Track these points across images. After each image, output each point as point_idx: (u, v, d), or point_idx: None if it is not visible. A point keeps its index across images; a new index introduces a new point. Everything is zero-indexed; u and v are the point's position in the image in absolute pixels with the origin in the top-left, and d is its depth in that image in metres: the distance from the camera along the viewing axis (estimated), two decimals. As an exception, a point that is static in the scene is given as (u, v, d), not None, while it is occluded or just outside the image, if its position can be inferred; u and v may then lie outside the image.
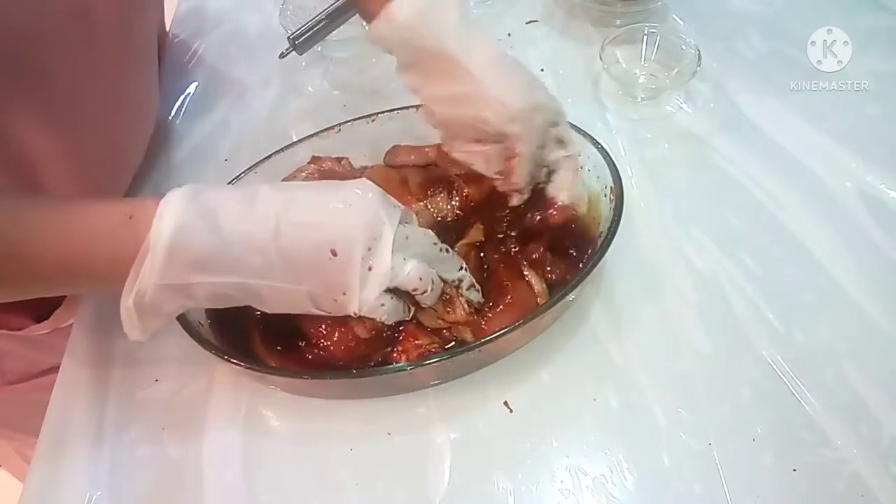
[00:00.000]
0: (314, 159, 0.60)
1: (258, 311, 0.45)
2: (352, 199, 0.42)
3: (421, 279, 0.43)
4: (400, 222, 0.43)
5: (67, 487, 0.49)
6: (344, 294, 0.42)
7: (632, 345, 0.52)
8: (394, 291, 0.44)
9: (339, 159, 0.60)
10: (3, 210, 0.38)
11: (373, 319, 0.45)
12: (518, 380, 0.51)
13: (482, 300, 0.49)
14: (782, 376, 0.49)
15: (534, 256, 0.52)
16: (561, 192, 0.51)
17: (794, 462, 0.45)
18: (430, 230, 0.46)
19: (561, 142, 0.51)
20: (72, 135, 0.54)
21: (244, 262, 0.40)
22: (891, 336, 0.51)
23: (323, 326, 0.48)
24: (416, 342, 0.48)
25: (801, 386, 0.49)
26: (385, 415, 0.50)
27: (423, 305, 0.46)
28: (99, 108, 0.57)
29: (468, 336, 0.49)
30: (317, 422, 0.51)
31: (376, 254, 0.41)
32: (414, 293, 0.44)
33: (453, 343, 0.50)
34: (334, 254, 0.40)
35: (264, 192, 0.41)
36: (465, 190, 0.56)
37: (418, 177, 0.58)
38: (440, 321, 0.48)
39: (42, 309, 0.61)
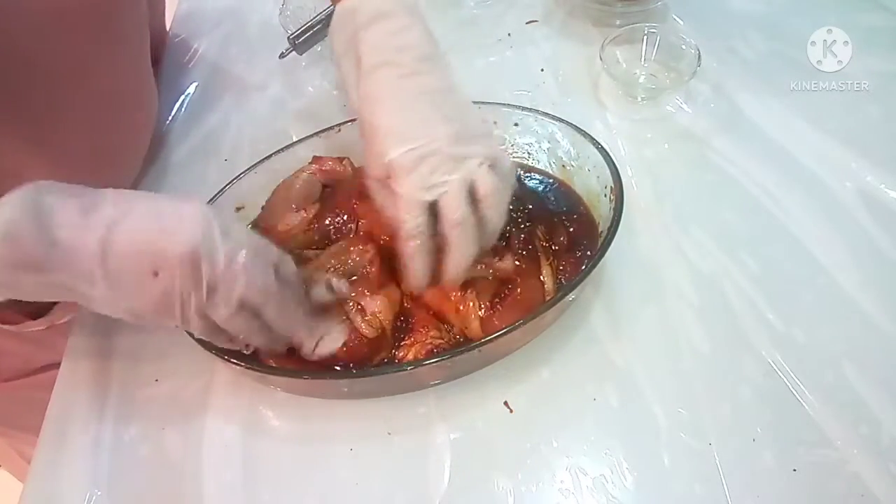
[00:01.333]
0: (315, 159, 0.60)
1: None
2: (181, 220, 0.41)
3: (243, 309, 0.43)
4: (236, 247, 0.42)
5: (67, 487, 0.49)
6: (166, 314, 0.42)
7: (632, 345, 0.52)
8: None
9: (340, 159, 0.60)
10: None
11: (378, 318, 0.45)
12: (518, 380, 0.51)
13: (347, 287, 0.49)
14: (782, 376, 0.49)
15: (555, 248, 0.53)
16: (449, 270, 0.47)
17: (794, 462, 0.45)
18: (297, 286, 0.46)
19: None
20: (56, 138, 0.53)
21: (70, 269, 0.40)
22: (891, 336, 0.51)
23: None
24: (430, 333, 0.49)
25: (801, 386, 0.49)
26: (385, 415, 0.50)
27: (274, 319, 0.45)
28: (85, 111, 0.56)
29: (477, 329, 0.49)
30: (317, 422, 0.51)
31: (195, 282, 0.41)
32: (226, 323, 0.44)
33: (462, 340, 0.50)
34: (156, 275, 0.40)
35: (104, 204, 0.41)
36: None
37: None
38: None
39: (38, 305, 0.60)
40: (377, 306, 0.49)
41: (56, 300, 0.43)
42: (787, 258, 0.56)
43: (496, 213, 0.47)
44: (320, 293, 0.48)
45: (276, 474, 0.49)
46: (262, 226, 0.58)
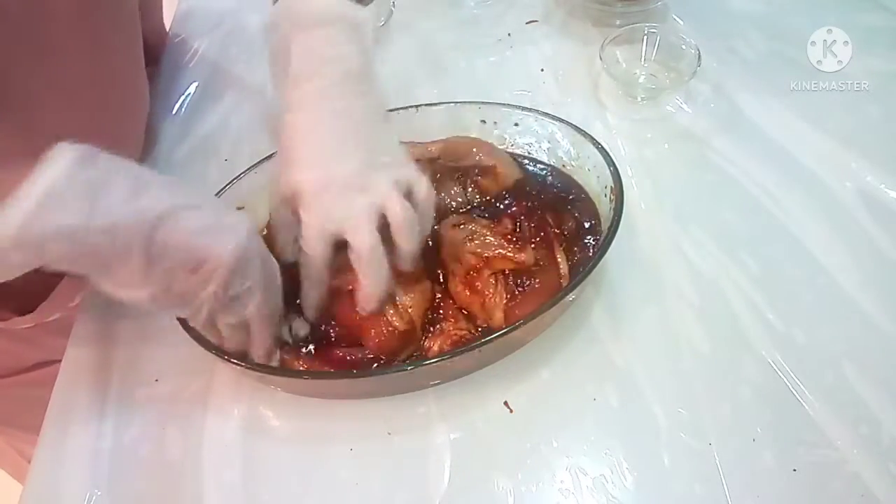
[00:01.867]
0: None
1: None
2: (230, 232, 0.43)
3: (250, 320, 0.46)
4: (268, 276, 0.45)
5: (67, 487, 0.49)
6: (183, 303, 0.43)
7: (632, 345, 0.52)
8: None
9: None
10: None
11: (408, 312, 0.47)
12: (518, 380, 0.51)
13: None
14: (782, 376, 0.49)
15: (565, 233, 0.53)
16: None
17: (794, 462, 0.45)
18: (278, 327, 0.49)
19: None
20: (29, 126, 0.52)
21: (107, 245, 0.39)
22: (891, 336, 0.51)
23: (359, 326, 0.49)
24: (458, 325, 0.50)
25: (801, 386, 0.49)
26: (385, 415, 0.50)
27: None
28: (62, 102, 0.55)
29: (500, 319, 0.49)
30: (317, 422, 0.51)
31: (225, 288, 0.43)
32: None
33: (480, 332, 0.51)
34: (193, 272, 0.41)
35: (155, 188, 0.41)
36: (481, 182, 0.57)
37: (427, 171, 0.58)
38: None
39: (26, 302, 0.60)
40: (409, 300, 0.50)
41: (69, 272, 0.41)
42: (787, 258, 0.56)
43: (407, 241, 0.47)
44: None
45: (276, 474, 0.49)
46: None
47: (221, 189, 0.58)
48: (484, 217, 0.55)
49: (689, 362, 0.51)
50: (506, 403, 0.50)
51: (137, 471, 0.50)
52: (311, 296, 0.49)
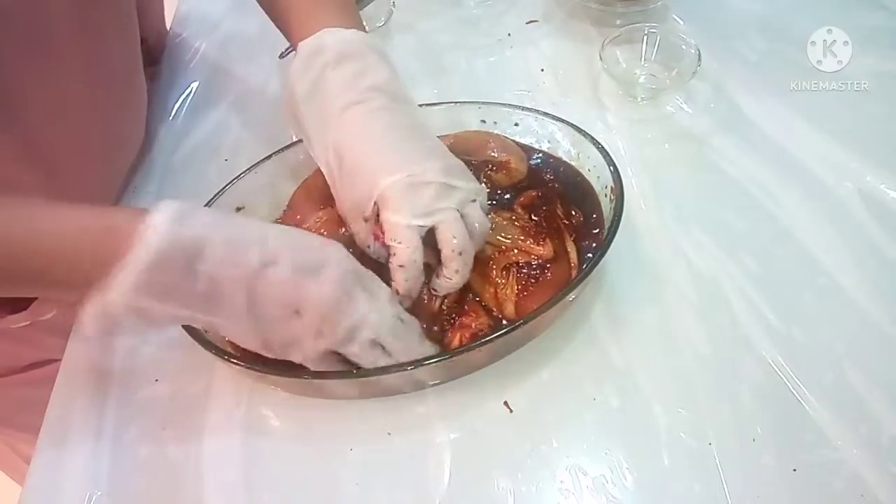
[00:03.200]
0: None
1: None
2: (329, 267, 0.43)
3: (373, 360, 0.45)
4: (375, 298, 0.44)
5: (67, 487, 0.49)
6: (295, 347, 0.44)
7: (632, 345, 0.52)
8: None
9: None
10: None
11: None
12: (518, 380, 0.51)
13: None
14: (782, 376, 0.49)
15: (574, 224, 0.54)
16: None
17: (794, 462, 0.45)
18: (413, 321, 0.47)
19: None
20: (30, 138, 0.53)
21: (213, 303, 0.40)
22: (891, 336, 0.51)
23: None
24: (475, 316, 0.50)
25: (801, 386, 0.49)
26: (385, 415, 0.50)
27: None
28: (59, 106, 0.55)
29: (511, 312, 0.50)
30: (317, 422, 0.51)
31: (333, 326, 0.43)
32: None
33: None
34: (298, 313, 0.42)
35: (249, 236, 0.42)
36: (494, 177, 0.57)
37: None
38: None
39: (19, 299, 0.60)
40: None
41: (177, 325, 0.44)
42: (787, 258, 0.56)
43: (483, 243, 0.50)
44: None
45: (276, 474, 0.49)
46: (289, 225, 0.58)
47: (221, 189, 0.58)
48: (499, 209, 0.55)
49: (689, 362, 0.51)
50: (506, 403, 0.50)
51: (137, 471, 0.50)
52: (409, 291, 0.48)
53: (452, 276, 0.47)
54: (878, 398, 0.47)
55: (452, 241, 0.46)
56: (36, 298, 0.60)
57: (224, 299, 0.40)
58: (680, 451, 0.47)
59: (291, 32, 0.55)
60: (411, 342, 0.47)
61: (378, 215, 0.47)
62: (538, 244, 0.51)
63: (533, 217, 0.54)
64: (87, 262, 0.38)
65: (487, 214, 0.50)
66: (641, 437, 0.47)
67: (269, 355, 0.45)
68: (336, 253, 0.44)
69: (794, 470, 0.45)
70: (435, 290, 0.49)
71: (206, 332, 0.49)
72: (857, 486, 0.44)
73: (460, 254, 0.46)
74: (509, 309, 0.50)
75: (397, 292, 0.47)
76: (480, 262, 0.51)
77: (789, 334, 0.51)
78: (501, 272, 0.51)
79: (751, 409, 0.48)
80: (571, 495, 0.45)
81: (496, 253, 0.52)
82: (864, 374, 0.49)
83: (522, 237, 0.52)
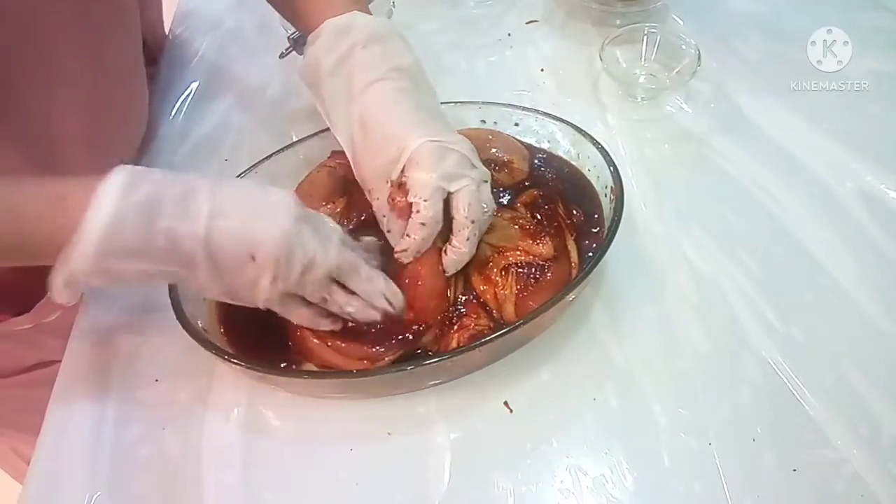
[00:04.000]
0: (334, 154, 0.60)
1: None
2: (277, 209, 0.44)
3: (326, 297, 0.46)
4: (327, 238, 0.46)
5: (67, 487, 0.49)
6: (256, 290, 0.45)
7: (632, 345, 0.52)
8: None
9: None
10: None
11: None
12: (518, 380, 0.51)
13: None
14: (782, 376, 0.49)
15: (575, 223, 0.54)
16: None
17: (794, 462, 0.45)
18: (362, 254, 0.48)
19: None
20: (32, 131, 0.53)
21: (172, 255, 0.42)
22: (891, 336, 0.51)
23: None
24: (476, 317, 0.50)
25: (801, 386, 0.49)
26: (385, 415, 0.50)
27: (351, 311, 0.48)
28: (64, 105, 0.56)
29: (511, 313, 0.50)
30: (317, 422, 0.51)
31: (288, 267, 0.44)
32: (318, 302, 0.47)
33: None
34: (253, 259, 0.43)
35: (200, 192, 0.43)
36: (497, 176, 0.57)
37: None
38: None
39: (23, 302, 0.60)
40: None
41: (153, 284, 0.46)
42: (787, 258, 0.56)
43: (485, 228, 0.51)
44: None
45: (276, 474, 0.49)
46: None
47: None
48: (500, 209, 0.55)
49: (689, 362, 0.51)
50: (506, 403, 0.50)
51: (137, 471, 0.50)
52: (417, 248, 0.49)
53: (462, 245, 0.49)
54: (878, 398, 0.47)
55: (469, 207, 0.48)
56: (40, 300, 0.60)
57: (183, 251, 0.42)
58: (680, 451, 0.47)
59: (305, 18, 0.56)
60: (373, 280, 0.48)
61: (402, 179, 0.49)
62: (538, 244, 0.51)
63: (535, 215, 0.54)
64: (50, 234, 0.40)
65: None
66: (641, 437, 0.47)
67: (235, 302, 0.46)
68: (285, 198, 0.45)
69: (794, 470, 0.45)
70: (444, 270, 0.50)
71: (205, 331, 0.49)
72: (857, 486, 0.44)
73: (472, 222, 0.48)
74: (509, 309, 0.50)
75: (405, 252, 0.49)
76: (480, 263, 0.51)
77: (789, 334, 0.51)
78: (501, 272, 0.51)
79: (751, 409, 0.48)
80: (571, 495, 0.45)
81: (496, 253, 0.52)
82: (864, 374, 0.49)
83: (522, 237, 0.52)
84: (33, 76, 0.52)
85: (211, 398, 0.53)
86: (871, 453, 0.45)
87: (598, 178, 0.56)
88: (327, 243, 0.45)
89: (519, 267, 0.51)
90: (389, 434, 0.49)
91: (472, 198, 0.49)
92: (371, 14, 0.55)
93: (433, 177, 0.47)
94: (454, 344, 0.49)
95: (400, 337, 0.49)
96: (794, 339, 0.51)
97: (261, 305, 0.46)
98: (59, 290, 0.41)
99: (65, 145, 0.57)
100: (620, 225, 0.50)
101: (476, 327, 0.49)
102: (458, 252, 0.49)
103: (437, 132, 0.49)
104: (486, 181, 0.51)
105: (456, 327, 0.50)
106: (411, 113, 0.50)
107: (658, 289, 0.55)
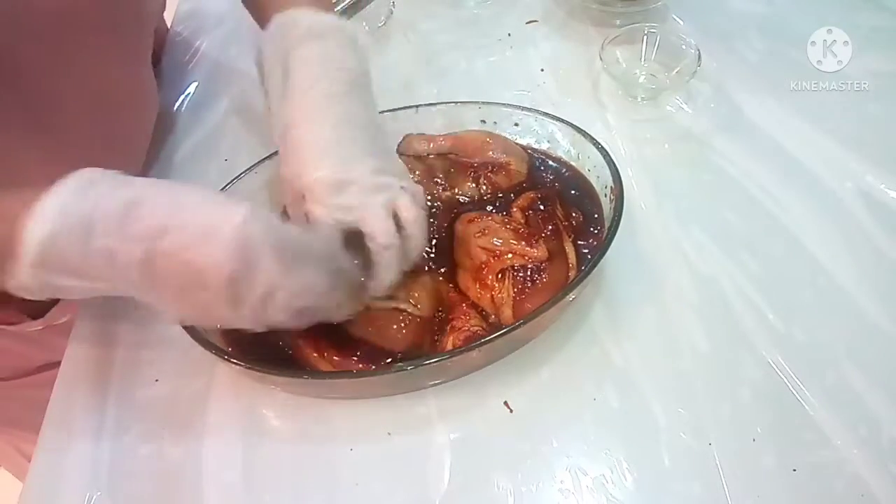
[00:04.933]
0: None
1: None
2: (223, 232, 0.39)
3: (302, 312, 0.43)
4: (284, 251, 0.41)
5: (67, 487, 0.49)
6: (217, 317, 0.43)
7: (632, 345, 0.52)
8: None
9: None
10: None
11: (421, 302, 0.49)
12: (518, 380, 0.51)
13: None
14: (782, 376, 0.49)
15: (573, 224, 0.54)
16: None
17: (794, 462, 0.45)
18: (322, 237, 0.45)
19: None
20: (56, 136, 0.53)
21: (112, 277, 0.40)
22: (891, 336, 0.51)
23: (376, 322, 0.49)
24: (467, 319, 0.50)
25: (801, 386, 0.49)
26: (385, 415, 0.50)
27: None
28: (85, 108, 0.56)
29: (509, 315, 0.50)
30: (317, 422, 0.51)
31: (243, 297, 0.40)
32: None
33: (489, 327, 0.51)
34: (205, 288, 0.39)
35: (144, 205, 0.39)
36: (494, 178, 0.57)
37: (442, 165, 0.58)
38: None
39: (37, 306, 0.60)
40: (417, 294, 0.51)
41: (99, 296, 0.43)
42: (787, 258, 0.56)
43: (420, 236, 0.49)
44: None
45: (276, 474, 0.49)
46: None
47: (221, 189, 0.58)
48: (496, 212, 0.55)
49: (689, 362, 0.51)
50: (506, 403, 0.50)
51: (137, 471, 0.50)
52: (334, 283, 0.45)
53: (381, 274, 0.47)
54: (878, 398, 0.47)
55: (380, 237, 0.46)
56: (54, 305, 0.60)
57: (122, 273, 0.39)
58: (680, 451, 0.47)
59: (259, 10, 0.56)
60: (351, 293, 0.46)
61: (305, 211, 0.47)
62: (531, 246, 0.51)
63: (530, 212, 0.54)
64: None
65: (425, 211, 0.50)
66: (641, 437, 0.47)
67: (188, 323, 0.44)
68: (238, 212, 0.39)
69: (794, 470, 0.45)
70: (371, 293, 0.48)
71: (205, 331, 0.49)
72: (857, 486, 0.44)
73: (386, 248, 0.46)
74: (507, 313, 0.50)
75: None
76: (475, 268, 0.51)
77: (789, 334, 0.51)
78: (497, 276, 0.51)
79: (751, 409, 0.48)
80: (571, 495, 0.45)
81: (491, 258, 0.51)
82: (864, 374, 0.49)
83: (515, 240, 0.52)
84: (61, 77, 0.52)
85: (211, 398, 0.53)
86: (871, 453, 0.45)
87: (598, 178, 0.56)
88: (297, 265, 0.41)
89: (514, 270, 0.50)
90: (389, 434, 0.49)
91: (376, 224, 0.46)
92: (332, 12, 0.53)
93: (326, 212, 0.46)
94: (449, 346, 0.49)
95: (391, 359, 0.49)
96: (794, 339, 0.51)
97: (248, 327, 0.43)
98: (17, 291, 0.40)
99: (75, 136, 0.57)
100: (620, 225, 0.50)
101: (469, 328, 0.49)
102: (380, 276, 0.47)
103: (345, 157, 0.47)
104: (410, 195, 0.48)
105: (448, 329, 0.50)
106: (328, 130, 0.48)
107: (658, 289, 0.55)
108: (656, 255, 0.57)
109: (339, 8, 0.69)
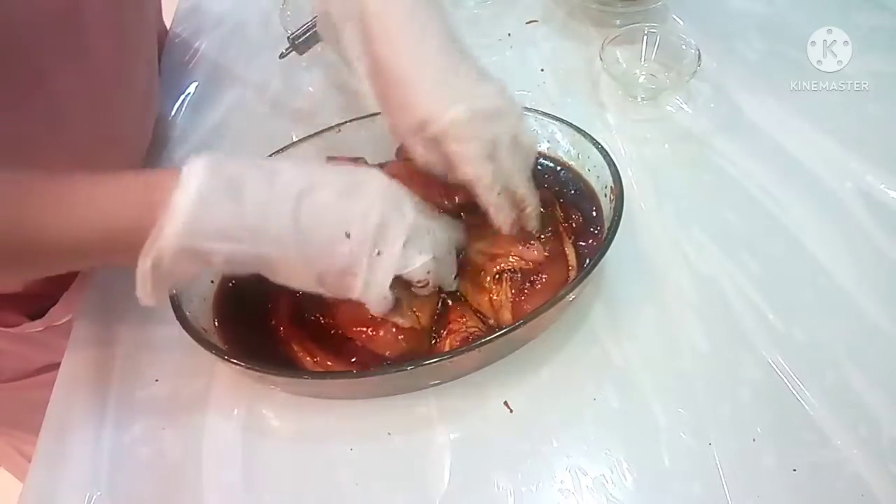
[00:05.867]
0: (329, 160, 0.60)
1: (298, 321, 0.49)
2: (369, 187, 0.43)
3: (429, 273, 0.45)
4: (421, 213, 0.45)
5: (67, 487, 0.49)
6: (351, 275, 0.43)
7: (632, 345, 0.52)
8: (395, 280, 0.44)
9: (355, 159, 0.60)
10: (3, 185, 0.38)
11: (414, 313, 0.48)
12: (518, 380, 0.51)
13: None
14: (782, 376, 0.49)
15: (573, 226, 0.54)
16: (528, 221, 0.50)
17: (794, 462, 0.45)
18: (453, 235, 0.48)
19: (522, 153, 0.48)
20: (65, 133, 0.54)
21: (262, 234, 0.41)
22: (891, 336, 0.51)
23: (366, 329, 0.49)
24: (464, 321, 0.50)
25: (801, 386, 0.49)
26: (385, 415, 0.50)
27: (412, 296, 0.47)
28: (94, 103, 0.56)
29: (508, 317, 0.49)
30: (317, 422, 0.51)
31: (387, 241, 0.43)
32: (417, 285, 0.45)
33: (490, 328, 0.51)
34: (348, 236, 0.42)
35: (286, 171, 0.42)
36: None
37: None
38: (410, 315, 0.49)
39: (37, 307, 0.60)
40: (414, 304, 0.50)
41: (242, 272, 0.43)
42: (787, 258, 0.56)
43: (531, 165, 0.50)
44: None
45: (276, 474, 0.49)
46: None
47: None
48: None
49: (689, 362, 0.51)
50: (506, 403, 0.50)
51: (137, 471, 0.50)
52: (508, 212, 0.49)
53: (530, 201, 0.49)
54: (878, 398, 0.47)
55: (519, 167, 0.47)
56: (53, 304, 0.60)
57: (272, 229, 0.41)
58: (680, 451, 0.47)
59: None
60: (449, 277, 0.48)
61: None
62: (528, 248, 0.51)
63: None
64: (137, 219, 0.39)
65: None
66: (641, 437, 0.47)
67: (327, 293, 0.44)
68: (374, 173, 0.44)
69: (794, 470, 0.45)
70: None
71: (205, 331, 0.49)
72: (857, 486, 0.44)
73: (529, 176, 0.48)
74: (506, 315, 0.50)
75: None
76: (472, 272, 0.51)
77: (789, 334, 0.51)
78: (494, 279, 0.50)
79: (751, 409, 0.48)
80: (571, 495, 0.45)
81: (487, 261, 0.51)
82: (864, 374, 0.49)
83: (512, 242, 0.51)
84: (68, 75, 0.52)
85: (211, 398, 0.53)
86: (871, 453, 0.45)
87: (598, 178, 0.56)
88: (420, 215, 0.45)
89: (511, 272, 0.50)
90: (389, 434, 0.49)
91: (519, 152, 0.47)
92: None
93: (478, 145, 0.45)
94: (447, 348, 0.49)
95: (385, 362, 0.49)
96: (794, 339, 0.51)
97: (356, 295, 0.44)
98: (144, 280, 0.40)
99: (79, 135, 0.57)
100: (620, 225, 0.50)
101: (466, 329, 0.49)
102: (530, 212, 0.49)
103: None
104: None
105: (445, 332, 0.50)
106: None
107: (658, 289, 0.55)
108: (656, 255, 0.57)
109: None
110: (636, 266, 0.56)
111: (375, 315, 0.47)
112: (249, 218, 0.40)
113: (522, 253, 0.51)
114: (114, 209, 0.40)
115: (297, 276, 0.44)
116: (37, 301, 0.60)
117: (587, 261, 0.51)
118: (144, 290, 0.40)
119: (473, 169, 0.46)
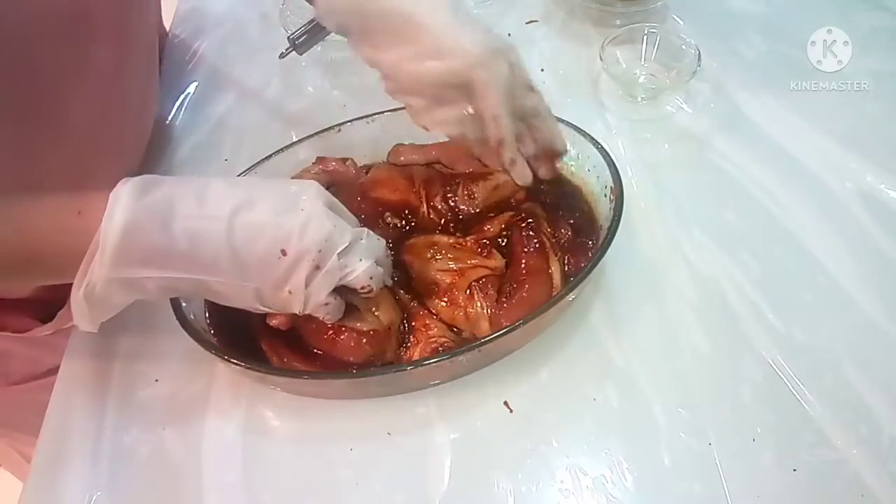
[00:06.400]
0: (319, 160, 0.60)
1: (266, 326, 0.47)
2: (304, 201, 0.43)
3: (371, 278, 0.44)
4: (353, 219, 0.45)
5: (67, 487, 0.49)
6: (290, 293, 0.43)
7: (632, 345, 0.52)
8: (338, 290, 0.44)
9: (343, 160, 0.60)
10: None
11: (375, 315, 0.47)
12: (518, 380, 0.51)
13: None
14: (782, 376, 0.49)
15: (562, 241, 0.53)
16: (555, 139, 0.52)
17: (794, 462, 0.45)
18: (383, 239, 0.47)
19: (529, 87, 0.49)
20: (66, 135, 0.54)
21: (193, 259, 0.40)
22: (891, 336, 0.51)
23: (326, 335, 0.48)
24: (429, 333, 0.49)
25: (801, 386, 0.49)
26: (385, 415, 0.50)
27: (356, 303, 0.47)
28: (95, 109, 0.56)
29: (486, 329, 0.49)
30: (317, 422, 0.51)
31: (325, 255, 0.42)
32: (362, 291, 0.45)
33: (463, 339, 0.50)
34: (284, 253, 0.41)
35: (217, 190, 0.42)
36: (472, 188, 0.56)
37: (423, 175, 0.58)
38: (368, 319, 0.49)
39: (46, 310, 0.61)
40: (375, 308, 0.49)
41: (177, 296, 0.44)
42: (787, 258, 0.56)
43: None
44: None
45: (276, 474, 0.49)
46: None
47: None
48: (457, 231, 0.55)
49: (689, 362, 0.51)
50: (506, 403, 0.50)
51: (137, 471, 0.50)
52: (524, 163, 0.50)
53: (552, 127, 0.51)
54: (878, 398, 0.47)
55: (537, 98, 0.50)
56: (61, 308, 0.60)
57: (206, 253, 0.40)
58: (680, 451, 0.47)
59: None
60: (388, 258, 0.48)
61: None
62: (488, 256, 0.51)
63: (507, 232, 0.53)
64: (68, 247, 0.39)
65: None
66: (641, 437, 0.47)
67: (266, 309, 0.44)
68: (309, 187, 0.44)
69: (794, 470, 0.45)
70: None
71: (205, 331, 0.49)
72: (857, 486, 0.44)
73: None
74: (483, 326, 0.49)
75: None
76: (441, 290, 0.51)
77: (789, 334, 0.51)
78: (465, 292, 0.50)
79: (751, 409, 0.48)
80: (571, 495, 0.45)
81: (455, 277, 0.51)
82: (864, 374, 0.49)
83: (471, 255, 0.52)
84: (74, 87, 0.52)
85: (211, 398, 0.53)
86: (871, 453, 0.45)
87: (598, 177, 0.56)
88: (356, 228, 0.45)
89: (478, 283, 0.50)
90: (389, 434, 0.49)
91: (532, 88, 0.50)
92: None
93: (500, 103, 0.46)
94: (417, 356, 0.49)
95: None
96: (794, 339, 0.51)
97: (298, 309, 0.44)
98: (79, 308, 0.40)
99: (80, 137, 0.57)
100: (620, 225, 0.50)
101: (434, 337, 0.49)
102: (557, 134, 0.52)
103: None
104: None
105: (413, 343, 0.49)
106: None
107: (658, 289, 0.55)
108: (656, 255, 0.57)
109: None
110: (636, 266, 0.56)
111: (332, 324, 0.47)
112: (180, 243, 0.40)
113: (484, 262, 0.51)
114: (49, 237, 0.40)
115: (236, 297, 0.43)
116: (46, 305, 0.60)
117: (580, 269, 0.51)
118: (81, 319, 0.41)
119: (497, 96, 0.46)
